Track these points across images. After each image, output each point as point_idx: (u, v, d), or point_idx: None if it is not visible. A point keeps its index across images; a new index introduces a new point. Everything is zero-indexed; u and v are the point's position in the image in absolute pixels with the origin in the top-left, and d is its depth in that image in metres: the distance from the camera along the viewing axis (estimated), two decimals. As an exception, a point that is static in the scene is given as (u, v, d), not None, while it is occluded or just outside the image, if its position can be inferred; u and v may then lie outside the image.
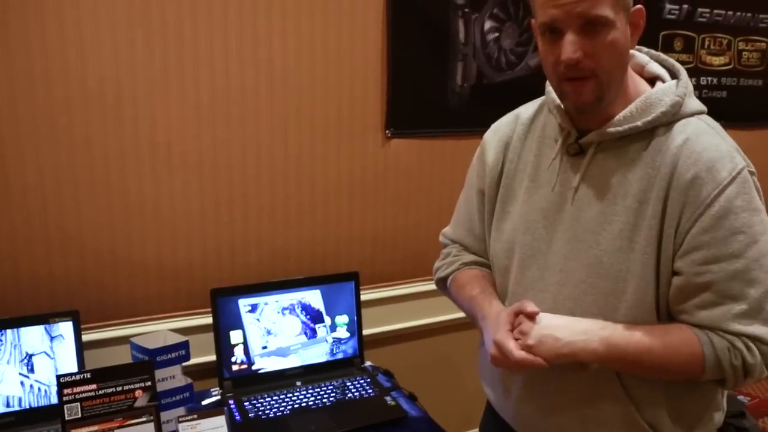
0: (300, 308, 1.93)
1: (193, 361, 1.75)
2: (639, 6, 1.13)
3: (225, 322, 1.84)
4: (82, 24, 1.67)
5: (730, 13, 2.79)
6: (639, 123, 1.14)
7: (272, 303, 1.89)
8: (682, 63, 2.65)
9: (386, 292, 2.21)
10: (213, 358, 1.85)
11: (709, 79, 2.81)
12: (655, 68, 1.22)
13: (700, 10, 2.71)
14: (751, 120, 2.96)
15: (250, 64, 1.88)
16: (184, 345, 1.70)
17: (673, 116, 1.15)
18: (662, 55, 1.25)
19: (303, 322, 1.93)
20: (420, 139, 2.17)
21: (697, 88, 2.77)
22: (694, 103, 1.18)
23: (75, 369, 1.68)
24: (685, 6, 2.66)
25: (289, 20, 1.90)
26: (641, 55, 1.26)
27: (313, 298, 1.94)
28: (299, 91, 1.96)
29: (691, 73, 2.72)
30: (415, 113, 2.16)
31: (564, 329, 1.16)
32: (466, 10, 2.15)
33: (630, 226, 1.14)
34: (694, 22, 2.70)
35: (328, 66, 1.99)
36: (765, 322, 1.09)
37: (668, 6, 2.62)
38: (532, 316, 1.18)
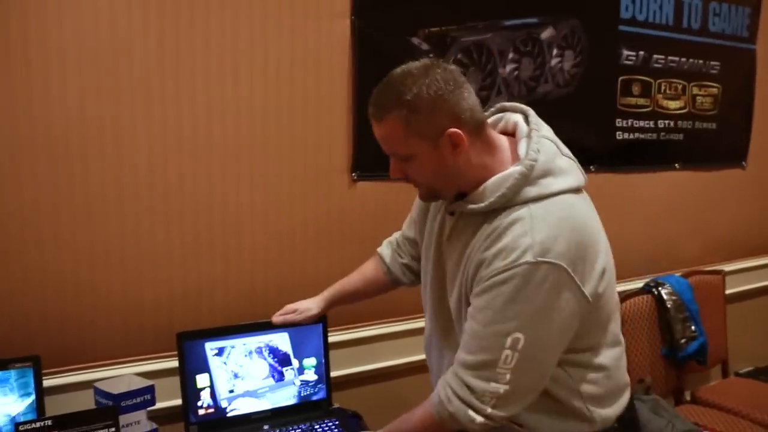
0: (267, 351, 1.91)
1: (158, 405, 1.72)
2: (451, 130, 1.25)
3: (191, 365, 1.82)
4: (49, 63, 1.68)
5: (684, 59, 2.91)
6: (474, 206, 1.30)
7: (239, 346, 1.88)
8: (640, 107, 2.78)
9: (354, 334, 2.21)
10: (179, 402, 1.82)
11: (667, 122, 2.90)
12: (521, 150, 1.30)
13: (655, 56, 2.82)
14: (706, 161, 3.05)
15: (217, 107, 1.90)
16: (150, 389, 1.67)
17: (506, 202, 1.26)
18: (542, 135, 1.32)
19: (270, 365, 1.92)
20: (385, 182, 2.19)
21: (656, 131, 2.85)
22: (532, 191, 1.26)
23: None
24: (642, 53, 2.76)
25: (257, 64, 1.93)
26: (522, 128, 1.34)
27: (281, 340, 1.93)
28: (266, 135, 1.98)
29: (649, 116, 2.82)
30: (381, 156, 2.14)
31: None
32: (431, 55, 2.19)
33: (464, 288, 1.34)
34: (650, 68, 2.81)
35: (294, 109, 2.01)
36: (481, 379, 1.25)
37: (626, 53, 2.72)
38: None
